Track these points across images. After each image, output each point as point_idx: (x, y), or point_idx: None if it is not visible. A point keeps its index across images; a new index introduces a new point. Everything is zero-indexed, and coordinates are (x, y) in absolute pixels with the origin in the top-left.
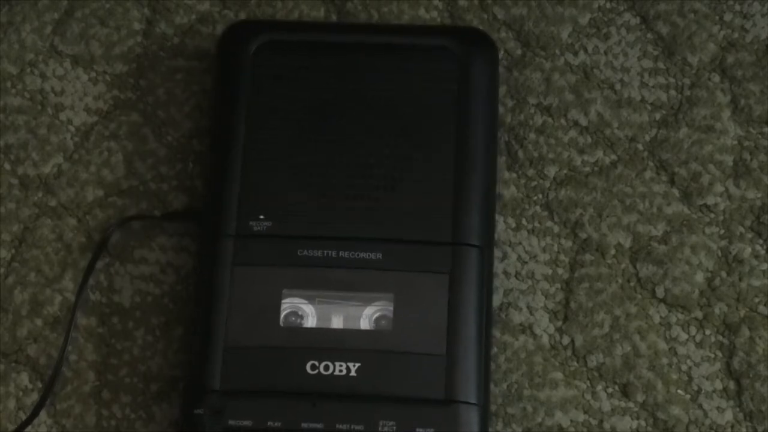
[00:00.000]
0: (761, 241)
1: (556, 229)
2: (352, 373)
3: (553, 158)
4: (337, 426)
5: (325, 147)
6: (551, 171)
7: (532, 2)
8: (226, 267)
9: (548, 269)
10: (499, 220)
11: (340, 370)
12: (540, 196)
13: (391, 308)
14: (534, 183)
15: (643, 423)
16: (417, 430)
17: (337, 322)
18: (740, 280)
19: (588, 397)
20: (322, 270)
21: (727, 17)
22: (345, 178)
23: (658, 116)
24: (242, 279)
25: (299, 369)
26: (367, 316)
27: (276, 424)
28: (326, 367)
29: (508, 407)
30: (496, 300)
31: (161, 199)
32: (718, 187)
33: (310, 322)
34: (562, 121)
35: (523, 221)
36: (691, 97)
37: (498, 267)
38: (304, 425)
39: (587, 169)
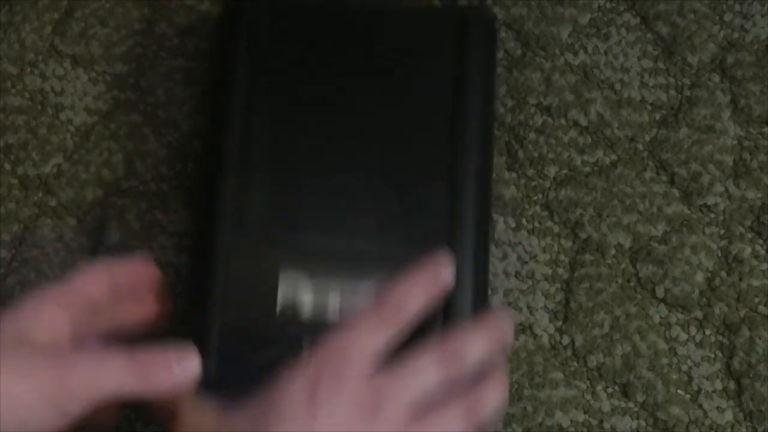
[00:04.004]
0: (761, 241)
1: (556, 229)
2: None
3: (553, 158)
4: None
5: (319, 127)
6: (551, 171)
7: (532, 2)
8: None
9: (548, 269)
10: (499, 219)
11: None
12: (540, 196)
13: None
14: (534, 183)
15: (643, 423)
16: None
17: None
18: (740, 280)
19: (588, 397)
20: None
21: (727, 17)
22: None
23: (658, 116)
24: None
25: None
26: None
27: None
28: None
29: (508, 407)
30: (497, 300)
31: (161, 199)
32: (718, 187)
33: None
34: (562, 121)
35: (523, 221)
36: (691, 97)
37: (498, 267)
38: None
39: (587, 169)
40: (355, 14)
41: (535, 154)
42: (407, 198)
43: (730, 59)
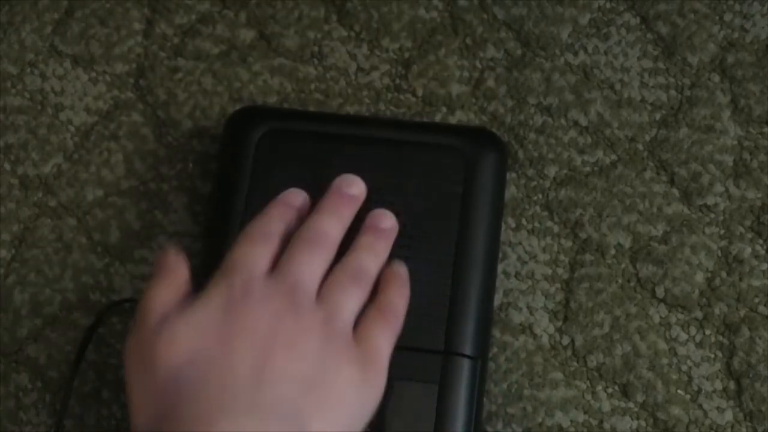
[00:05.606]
0: (761, 241)
1: (556, 229)
2: None
3: (553, 158)
4: None
5: None
6: (551, 171)
7: (532, 2)
8: None
9: (548, 269)
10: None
11: None
12: (540, 196)
13: (381, 418)
14: (534, 183)
15: (643, 423)
16: None
17: None
18: (740, 280)
19: (588, 397)
20: None
21: (727, 17)
22: None
23: (658, 116)
24: None
25: None
26: None
27: None
28: None
29: (508, 407)
30: (497, 300)
31: (161, 199)
32: (718, 187)
33: None
34: (562, 121)
35: (523, 221)
36: (691, 97)
37: (498, 267)
38: None
39: (587, 169)
40: (358, 140)
41: (535, 154)
42: (403, 336)
43: (730, 59)
